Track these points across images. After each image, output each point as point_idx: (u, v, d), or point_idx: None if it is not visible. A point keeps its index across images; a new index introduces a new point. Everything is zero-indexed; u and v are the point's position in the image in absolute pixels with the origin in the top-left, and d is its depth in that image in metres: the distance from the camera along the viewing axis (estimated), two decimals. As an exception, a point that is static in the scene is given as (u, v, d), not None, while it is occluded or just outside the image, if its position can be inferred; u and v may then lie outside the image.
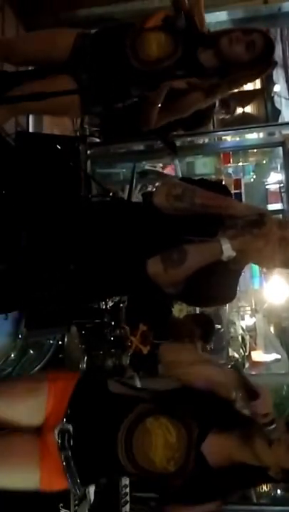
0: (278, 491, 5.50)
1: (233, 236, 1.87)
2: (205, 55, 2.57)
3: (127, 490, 2.69)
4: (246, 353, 7.28)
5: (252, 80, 2.86)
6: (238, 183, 6.66)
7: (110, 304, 3.42)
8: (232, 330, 7.63)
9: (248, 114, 6.68)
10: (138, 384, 3.28)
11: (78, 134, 4.48)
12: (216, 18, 3.65)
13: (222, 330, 7.36)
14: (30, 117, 3.79)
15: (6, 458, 1.86)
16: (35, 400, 1.91)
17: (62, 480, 1.82)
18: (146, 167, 5.35)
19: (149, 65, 2.53)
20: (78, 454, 1.80)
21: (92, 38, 2.62)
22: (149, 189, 4.81)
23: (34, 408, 1.91)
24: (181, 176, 5.15)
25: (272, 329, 8.09)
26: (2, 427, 1.93)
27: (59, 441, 1.79)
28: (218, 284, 1.94)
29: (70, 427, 1.81)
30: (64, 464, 1.79)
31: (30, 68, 2.84)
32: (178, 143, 4.11)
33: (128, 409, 1.82)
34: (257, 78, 2.81)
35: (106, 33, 2.66)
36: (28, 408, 1.91)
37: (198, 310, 6.14)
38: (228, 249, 1.85)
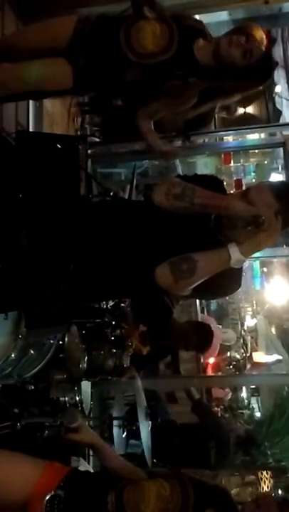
0: (279, 491, 5.49)
1: (239, 242, 1.90)
2: (203, 52, 2.57)
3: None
4: (247, 354, 7.25)
5: (243, 91, 2.82)
6: (239, 184, 6.64)
7: (111, 303, 3.42)
8: (233, 331, 7.61)
9: (249, 114, 6.65)
10: (139, 384, 3.27)
11: (79, 133, 4.49)
12: (217, 18, 3.66)
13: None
14: (31, 116, 3.79)
15: None
16: (32, 468, 1.93)
17: None
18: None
19: (142, 58, 2.54)
20: None
21: (92, 25, 2.65)
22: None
23: (28, 475, 1.91)
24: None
25: (273, 330, 8.07)
26: None
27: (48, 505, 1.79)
28: (223, 279, 1.96)
29: (61, 493, 1.81)
30: None
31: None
32: (178, 143, 4.10)
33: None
34: (247, 91, 2.81)
35: (105, 21, 2.68)
36: (23, 475, 1.91)
37: (199, 317, 6.10)
38: (235, 255, 1.88)
